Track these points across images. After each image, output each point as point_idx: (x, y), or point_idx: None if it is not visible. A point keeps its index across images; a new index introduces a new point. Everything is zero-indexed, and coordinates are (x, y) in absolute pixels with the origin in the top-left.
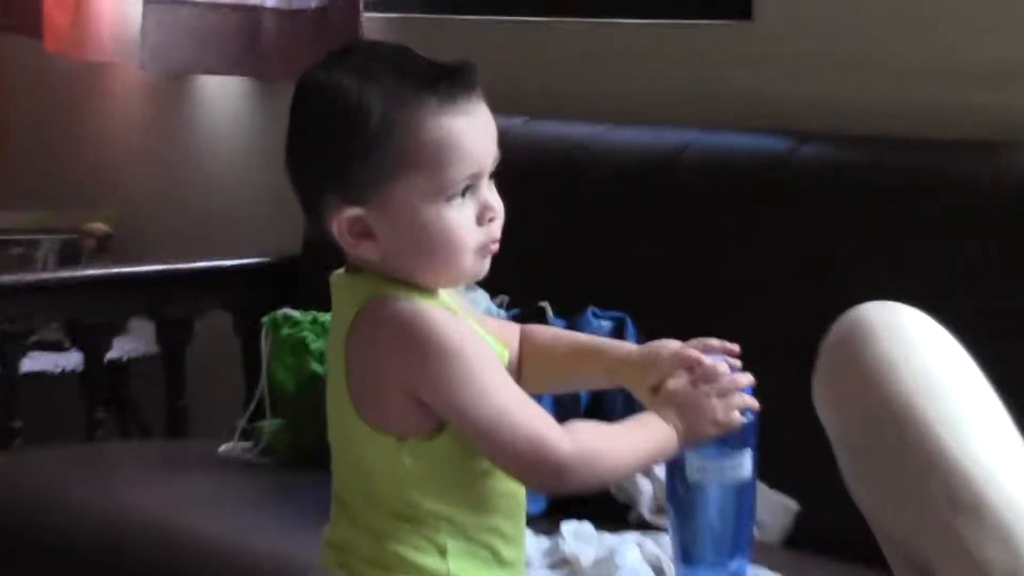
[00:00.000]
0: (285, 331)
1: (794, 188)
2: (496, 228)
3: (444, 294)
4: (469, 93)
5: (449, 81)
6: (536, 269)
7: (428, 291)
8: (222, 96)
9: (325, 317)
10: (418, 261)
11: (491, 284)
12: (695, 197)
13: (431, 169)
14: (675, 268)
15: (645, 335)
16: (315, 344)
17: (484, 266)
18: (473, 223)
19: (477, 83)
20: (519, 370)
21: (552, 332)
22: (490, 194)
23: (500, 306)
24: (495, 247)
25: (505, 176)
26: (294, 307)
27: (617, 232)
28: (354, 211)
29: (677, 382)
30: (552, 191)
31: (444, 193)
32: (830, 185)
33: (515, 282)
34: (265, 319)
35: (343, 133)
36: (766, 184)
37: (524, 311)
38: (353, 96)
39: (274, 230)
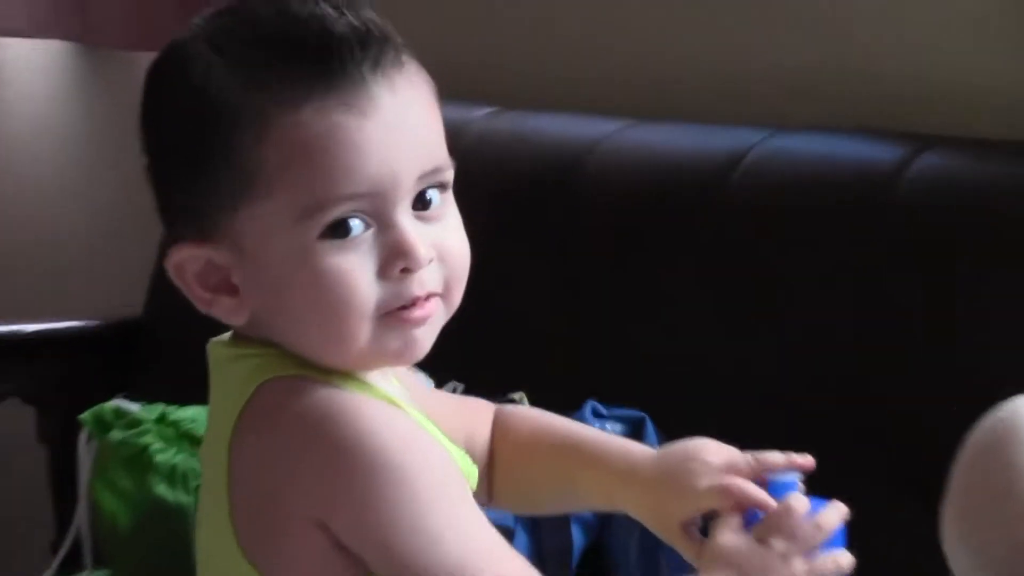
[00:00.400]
0: (117, 435)
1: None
2: (412, 285)
3: (377, 375)
4: (375, 73)
5: (340, 54)
6: (505, 341)
7: (351, 372)
8: (30, 67)
9: (182, 413)
10: (298, 330)
11: (438, 362)
12: (752, 230)
13: (299, 187)
14: (718, 343)
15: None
16: (163, 455)
17: (406, 345)
18: (370, 274)
19: (395, 59)
20: (488, 476)
21: (535, 420)
22: (405, 230)
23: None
24: (418, 315)
25: (460, 198)
26: (132, 397)
27: (629, 284)
28: (199, 250)
29: (732, 536)
30: (531, 220)
31: (317, 224)
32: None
33: (474, 360)
34: (85, 416)
35: (184, 133)
36: (874, 207)
37: None
38: (196, 78)
39: (103, 277)
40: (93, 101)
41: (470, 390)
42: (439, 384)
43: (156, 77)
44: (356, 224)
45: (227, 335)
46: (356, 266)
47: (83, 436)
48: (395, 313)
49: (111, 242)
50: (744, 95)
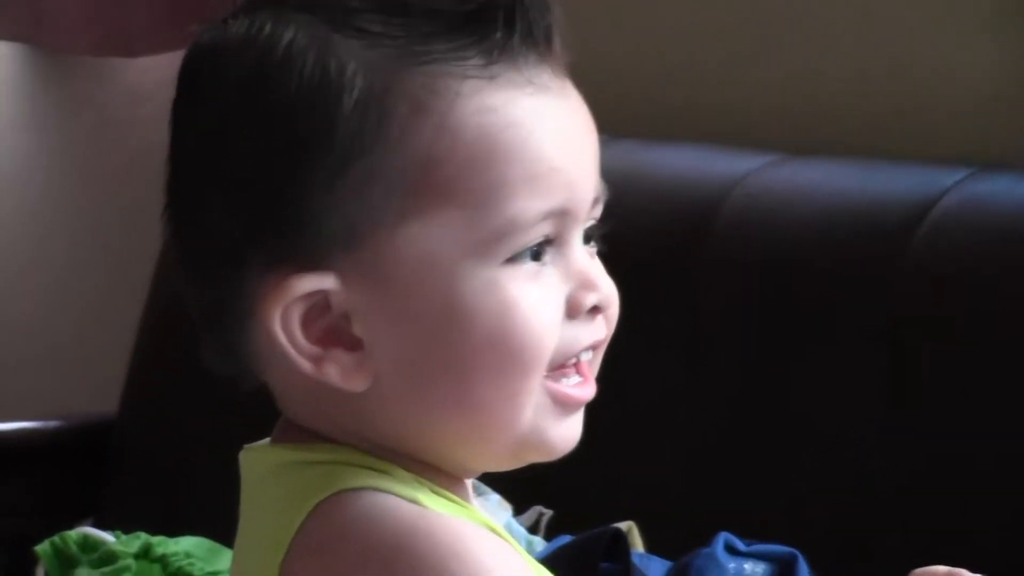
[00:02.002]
0: (85, 573)
1: None
2: (594, 327)
3: (496, 507)
4: (550, 49)
5: (508, 23)
6: (611, 452)
7: (442, 483)
8: None
9: (171, 546)
10: (443, 400)
11: (514, 478)
12: (944, 299)
13: (474, 198)
14: (897, 451)
15: None
16: None
17: (569, 428)
18: (559, 312)
19: (556, 35)
20: None
21: None
22: (587, 257)
23: (535, 529)
24: (591, 372)
25: None
26: (103, 523)
27: (780, 372)
28: (317, 279)
29: None
30: (647, 287)
31: (501, 245)
32: None
33: (567, 477)
34: (43, 547)
35: (292, 136)
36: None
37: (581, 540)
38: (308, 65)
39: (65, 367)
40: (49, 117)
41: (562, 519)
42: (519, 510)
43: (220, 78)
44: (544, 246)
45: (261, 443)
46: (548, 300)
47: (39, 574)
48: (565, 368)
49: (76, 321)
50: (931, 123)
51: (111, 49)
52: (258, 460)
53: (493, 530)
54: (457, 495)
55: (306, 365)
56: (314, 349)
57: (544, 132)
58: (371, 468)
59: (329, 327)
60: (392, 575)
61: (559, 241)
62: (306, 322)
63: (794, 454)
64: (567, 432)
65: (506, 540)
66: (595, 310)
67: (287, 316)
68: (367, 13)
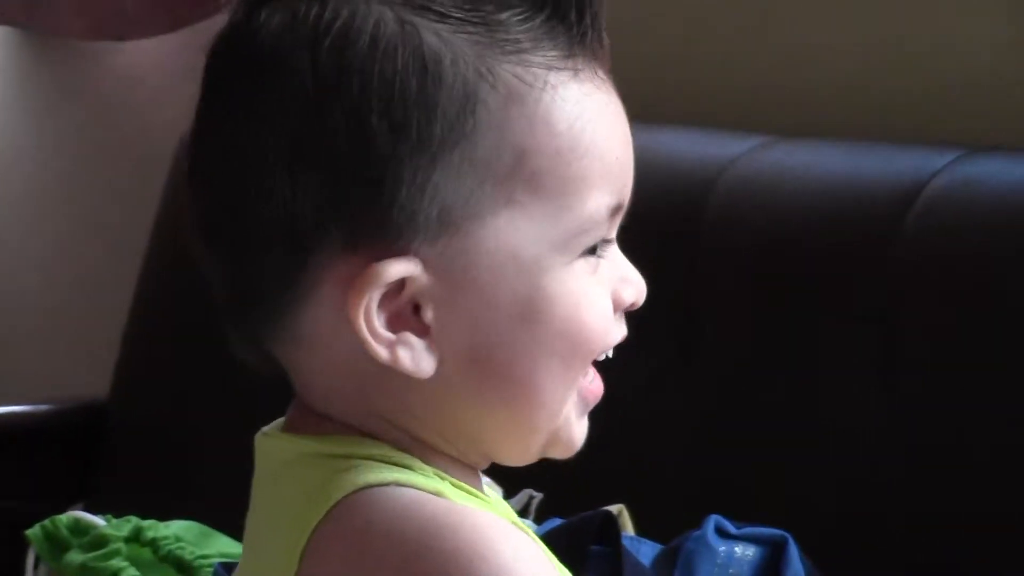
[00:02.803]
0: (76, 557)
1: None
2: (624, 326)
3: (489, 489)
4: (603, 43)
5: (579, 16)
6: (599, 435)
7: (458, 475)
8: None
9: (162, 530)
10: (499, 391)
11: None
12: (934, 285)
13: (559, 191)
14: (888, 437)
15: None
16: None
17: (583, 428)
18: (611, 307)
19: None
20: None
21: None
22: (623, 256)
23: (525, 512)
24: (599, 386)
25: None
26: (94, 507)
27: (770, 356)
28: (404, 265)
29: None
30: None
31: (579, 240)
32: None
33: (556, 461)
34: (34, 531)
35: (391, 119)
36: None
37: (572, 524)
38: (402, 50)
39: (56, 348)
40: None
41: (551, 502)
42: (508, 493)
43: (284, 55)
44: (604, 241)
45: (273, 426)
46: (606, 295)
47: (31, 559)
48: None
49: (68, 304)
50: (922, 104)
51: (103, 33)
52: (276, 448)
53: (514, 523)
54: (473, 487)
55: (381, 351)
56: (386, 334)
57: (612, 127)
58: (394, 463)
59: (397, 311)
60: (420, 572)
61: (607, 240)
62: (392, 301)
63: (787, 437)
64: (583, 429)
65: (527, 533)
66: (632, 306)
67: (366, 300)
68: (463, 4)
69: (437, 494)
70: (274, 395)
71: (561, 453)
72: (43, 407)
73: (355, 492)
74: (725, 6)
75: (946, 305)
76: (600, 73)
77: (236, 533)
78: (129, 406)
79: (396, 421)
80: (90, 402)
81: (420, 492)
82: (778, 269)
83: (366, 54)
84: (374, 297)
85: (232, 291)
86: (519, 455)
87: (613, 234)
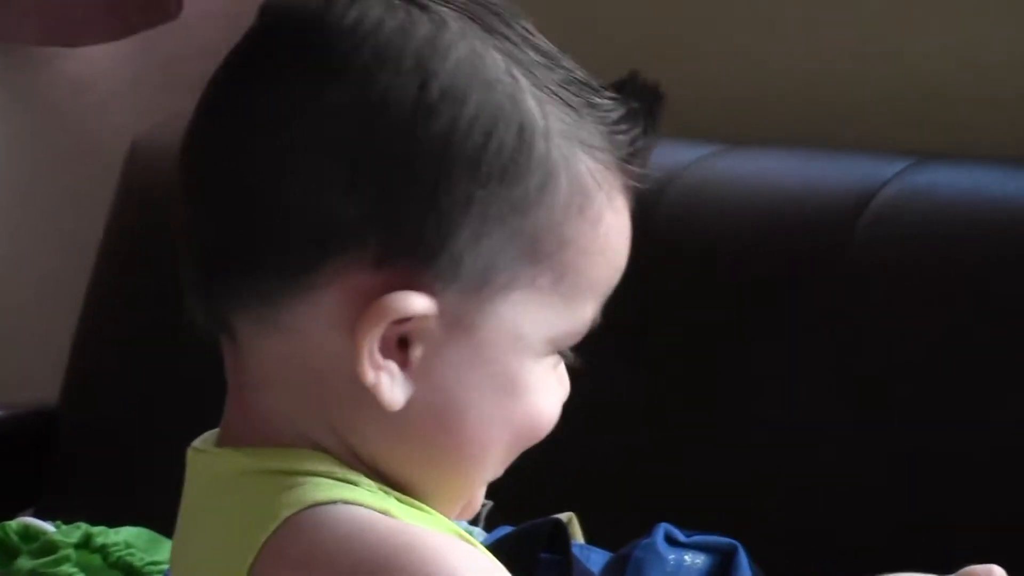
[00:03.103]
0: (25, 563)
1: None
2: None
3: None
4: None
5: (647, 131)
6: (548, 442)
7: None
8: None
9: (112, 536)
10: (472, 447)
11: None
12: (883, 293)
13: (574, 290)
14: (841, 441)
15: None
16: None
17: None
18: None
19: None
20: None
21: None
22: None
23: (475, 520)
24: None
25: None
26: (44, 514)
27: (718, 363)
28: (427, 303)
29: None
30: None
31: (570, 340)
32: None
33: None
34: None
35: (470, 162)
36: None
37: (521, 531)
38: (501, 90)
39: (10, 359)
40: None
41: (501, 510)
42: None
43: (397, 58)
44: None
45: (206, 437)
46: (556, 394)
47: None
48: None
49: (19, 309)
50: (872, 113)
51: (55, 39)
52: (213, 464)
53: (461, 536)
54: (419, 506)
55: (369, 373)
56: (380, 359)
57: (625, 247)
58: (340, 479)
59: (389, 339)
60: None
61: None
62: (394, 331)
63: (738, 445)
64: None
65: (476, 546)
66: None
67: (381, 326)
68: (530, 51)
69: (385, 513)
70: (224, 403)
71: (465, 516)
72: None
73: (301, 511)
74: (675, 14)
75: (899, 311)
76: (629, 195)
77: None
78: (80, 411)
79: (344, 436)
80: (40, 407)
81: (369, 511)
82: (730, 277)
83: (473, 87)
84: (388, 323)
85: (225, 253)
86: (443, 508)
87: None
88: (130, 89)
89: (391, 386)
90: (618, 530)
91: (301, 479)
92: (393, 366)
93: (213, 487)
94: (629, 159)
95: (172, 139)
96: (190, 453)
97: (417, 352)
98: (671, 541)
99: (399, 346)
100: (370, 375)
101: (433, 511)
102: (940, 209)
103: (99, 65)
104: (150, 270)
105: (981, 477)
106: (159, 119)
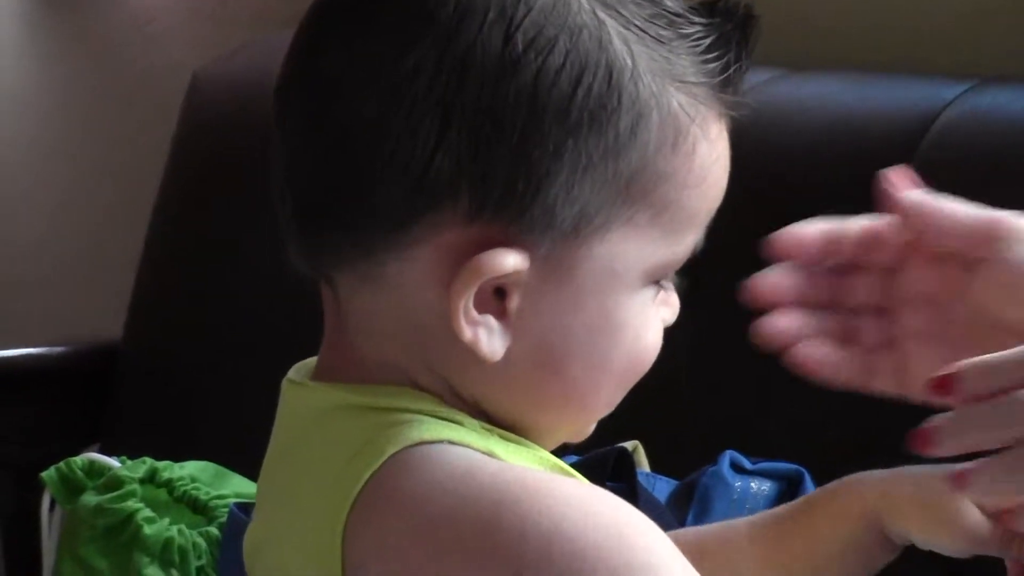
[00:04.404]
0: (91, 499)
1: None
2: None
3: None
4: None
5: (738, 55)
6: None
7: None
8: None
9: (178, 471)
10: (574, 390)
11: None
12: None
13: (673, 223)
14: None
15: None
16: (152, 527)
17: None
18: (661, 333)
19: None
20: None
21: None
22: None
23: None
24: None
25: None
26: (109, 449)
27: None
28: (521, 258)
29: None
30: None
31: (669, 271)
32: None
33: None
34: (48, 474)
35: (565, 112)
36: None
37: (587, 460)
38: (584, 45)
39: (69, 290)
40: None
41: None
42: None
43: (504, 18)
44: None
45: (300, 367)
46: (660, 323)
47: (45, 501)
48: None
49: (81, 245)
50: (933, 36)
51: None
52: (310, 397)
53: (563, 470)
54: (528, 444)
55: (467, 330)
56: (476, 316)
57: (724, 175)
58: (444, 419)
59: (485, 292)
60: (483, 536)
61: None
62: (484, 290)
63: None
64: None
65: (574, 476)
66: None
67: (476, 285)
68: (648, 20)
69: (489, 453)
70: (288, 337)
71: (572, 438)
72: (57, 349)
73: (407, 448)
74: None
75: None
76: (726, 121)
77: (250, 473)
78: (143, 348)
79: (447, 378)
80: (104, 344)
81: (474, 452)
82: (790, 203)
83: (559, 34)
84: (482, 281)
85: (324, 207)
86: (547, 444)
87: None
88: (189, 23)
89: (489, 340)
90: (684, 459)
91: (406, 416)
92: (490, 319)
93: (312, 420)
94: (722, 87)
95: (232, 72)
96: (285, 385)
97: (514, 303)
98: (737, 468)
99: (496, 296)
100: (467, 332)
101: (535, 445)
102: (1002, 131)
103: (157, 2)
104: (211, 204)
105: None
106: (218, 53)
